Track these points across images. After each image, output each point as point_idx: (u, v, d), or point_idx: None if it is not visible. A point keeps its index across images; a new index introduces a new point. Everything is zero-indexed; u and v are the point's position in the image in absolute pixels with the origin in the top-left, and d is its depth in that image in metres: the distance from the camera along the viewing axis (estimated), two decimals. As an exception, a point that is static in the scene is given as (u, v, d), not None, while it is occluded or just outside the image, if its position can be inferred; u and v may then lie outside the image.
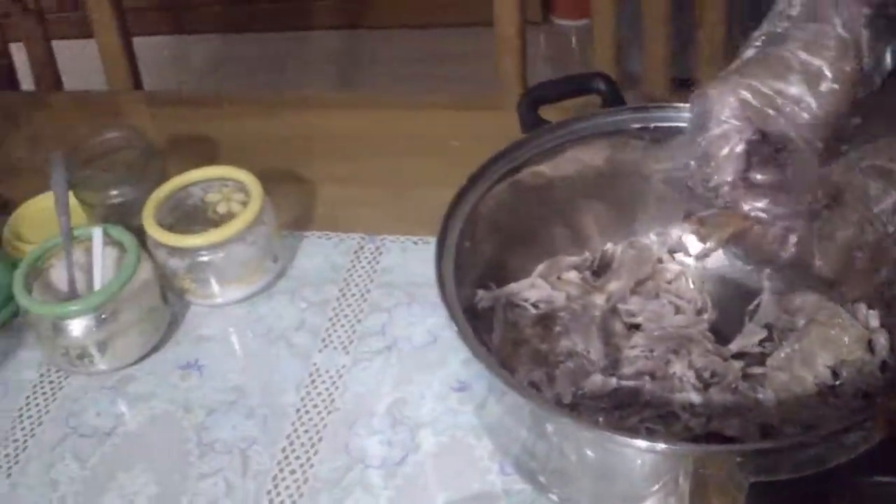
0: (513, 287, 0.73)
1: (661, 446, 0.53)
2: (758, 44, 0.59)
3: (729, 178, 0.58)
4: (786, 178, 0.58)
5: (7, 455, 0.73)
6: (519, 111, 0.76)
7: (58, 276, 0.79)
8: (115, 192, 0.84)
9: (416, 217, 0.88)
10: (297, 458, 0.69)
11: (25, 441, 0.74)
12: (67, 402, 0.76)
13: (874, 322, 0.66)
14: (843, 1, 0.56)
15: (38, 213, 0.92)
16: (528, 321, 0.70)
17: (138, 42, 1.15)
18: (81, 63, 1.33)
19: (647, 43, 1.06)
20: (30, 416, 0.76)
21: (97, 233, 0.78)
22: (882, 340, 0.65)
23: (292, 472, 0.68)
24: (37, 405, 0.76)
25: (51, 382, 0.78)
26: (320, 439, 0.70)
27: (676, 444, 0.58)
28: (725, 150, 0.57)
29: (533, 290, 0.74)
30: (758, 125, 0.57)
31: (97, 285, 0.77)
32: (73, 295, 0.76)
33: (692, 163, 0.59)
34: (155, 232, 0.78)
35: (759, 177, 0.58)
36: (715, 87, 0.57)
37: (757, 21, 0.60)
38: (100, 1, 1.09)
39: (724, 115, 0.57)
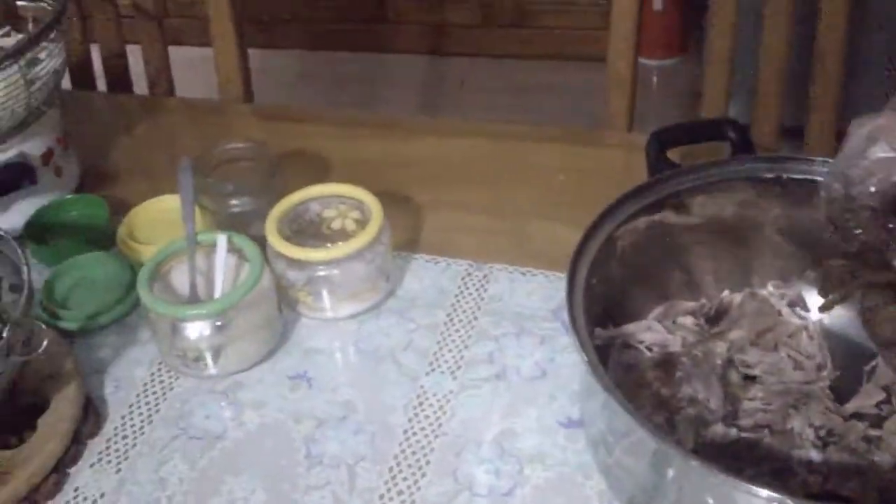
0: (629, 328, 0.73)
1: (789, 502, 0.53)
2: None
3: (878, 206, 0.57)
4: None
5: (117, 450, 0.74)
6: (647, 152, 0.76)
7: (178, 278, 0.80)
8: (235, 202, 0.86)
9: (523, 248, 0.89)
10: (405, 479, 0.70)
11: (135, 438, 0.75)
12: (177, 403, 0.78)
13: None
14: None
15: (151, 215, 0.94)
16: (648, 364, 0.69)
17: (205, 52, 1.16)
18: (185, 69, 1.36)
19: (762, 88, 1.06)
20: (140, 414, 0.77)
21: (222, 240, 0.79)
22: None
23: (399, 492, 0.69)
24: (147, 404, 0.78)
25: (161, 382, 0.80)
26: (427, 462, 0.71)
27: (805, 501, 0.57)
28: (885, 174, 0.57)
29: (648, 332, 0.74)
30: None
31: (218, 291, 0.78)
32: (193, 298, 0.78)
33: (837, 186, 0.59)
34: (278, 244, 0.79)
35: None
36: (886, 115, 0.57)
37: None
38: (221, 13, 1.12)
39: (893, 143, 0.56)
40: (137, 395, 0.79)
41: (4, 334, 0.66)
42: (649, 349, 0.73)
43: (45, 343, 0.68)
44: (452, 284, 0.86)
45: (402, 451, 0.72)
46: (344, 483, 0.70)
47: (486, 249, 0.89)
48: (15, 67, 0.86)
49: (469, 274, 0.87)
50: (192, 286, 0.78)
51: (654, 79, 2.65)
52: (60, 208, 0.95)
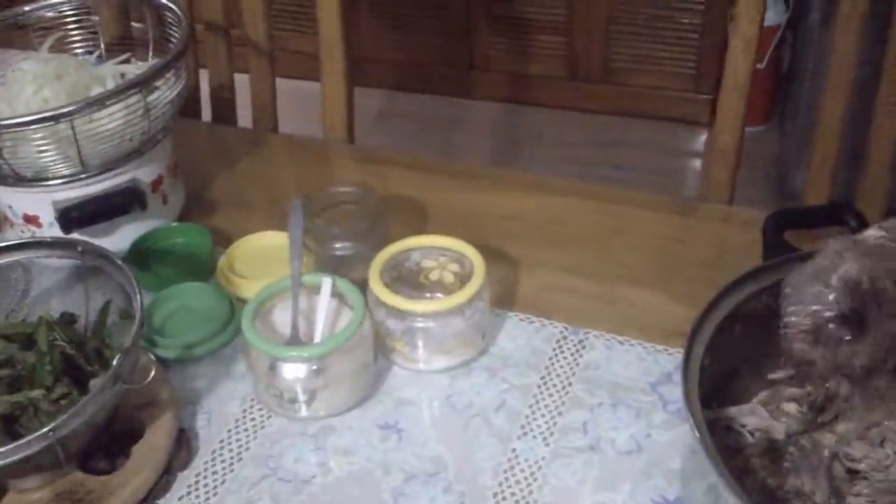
0: (732, 411, 0.72)
1: None
2: None
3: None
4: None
5: (206, 486, 0.75)
6: (764, 233, 0.75)
7: (279, 317, 0.81)
8: (339, 245, 0.87)
9: (621, 316, 0.88)
10: (494, 544, 0.69)
11: (224, 475, 0.75)
12: (268, 443, 0.78)
13: None
14: None
15: (252, 250, 0.95)
16: (755, 451, 0.68)
17: (308, 86, 1.17)
18: (286, 99, 1.38)
19: (871, 170, 1.04)
20: (230, 451, 0.77)
21: (327, 283, 0.80)
22: None
23: (488, 558, 0.68)
24: (238, 440, 0.78)
25: (253, 420, 0.80)
26: (517, 529, 0.70)
27: None
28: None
29: (752, 416, 0.72)
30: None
31: (318, 334, 0.79)
32: (294, 339, 0.78)
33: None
34: (381, 292, 0.79)
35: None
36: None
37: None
38: (333, 51, 1.13)
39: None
40: (229, 431, 0.79)
41: (114, 362, 0.67)
42: (752, 434, 0.71)
43: (153, 373, 0.69)
44: (547, 346, 0.85)
45: (492, 515, 0.71)
46: (431, 542, 0.69)
47: (582, 313, 0.88)
48: (138, 96, 0.88)
49: (564, 337, 0.86)
50: (294, 326, 0.79)
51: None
52: (165, 235, 0.96)
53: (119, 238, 0.94)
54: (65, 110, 0.84)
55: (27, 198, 0.92)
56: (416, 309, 0.79)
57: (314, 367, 0.76)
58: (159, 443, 0.74)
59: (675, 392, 0.79)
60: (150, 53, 1.04)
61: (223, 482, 0.75)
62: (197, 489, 0.74)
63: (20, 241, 0.80)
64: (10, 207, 0.94)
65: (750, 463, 0.66)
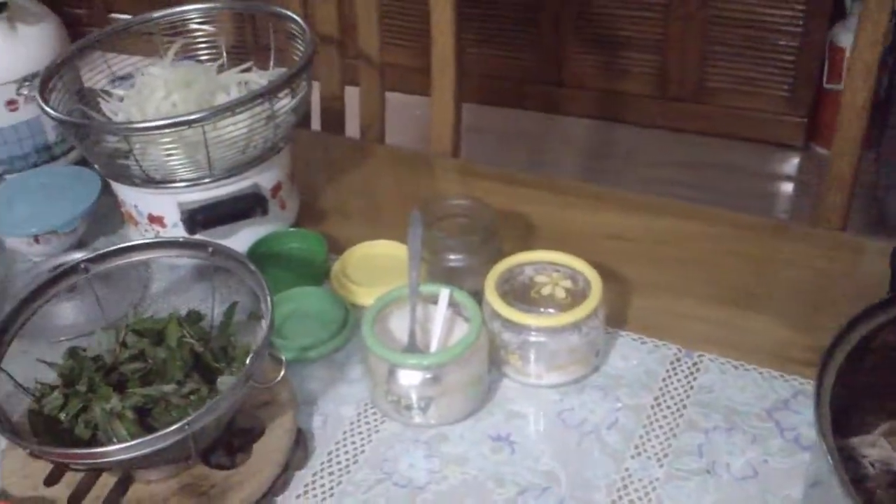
0: (854, 441, 0.71)
1: None
2: None
3: None
4: None
5: (323, 485, 0.76)
6: (892, 264, 0.74)
7: (396, 324, 0.82)
8: (453, 257, 0.88)
9: (735, 340, 0.87)
10: (608, 562, 0.69)
11: (341, 476, 0.77)
12: (382, 447, 0.79)
13: None
14: None
15: (364, 258, 0.97)
16: (879, 482, 0.66)
17: (396, 97, 1.17)
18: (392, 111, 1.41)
19: None
20: (346, 452, 0.79)
21: (444, 294, 0.81)
22: None
23: (602, 575, 0.68)
24: (353, 443, 0.80)
25: (367, 424, 0.81)
26: (631, 549, 0.70)
27: None
28: None
29: (874, 448, 0.71)
30: None
31: (434, 342, 0.80)
32: (411, 347, 0.80)
33: None
34: (498, 305, 0.80)
35: None
36: None
37: None
38: (446, 69, 1.15)
39: None
40: (344, 433, 0.81)
41: (247, 360, 0.70)
42: (872, 465, 0.70)
43: (282, 373, 0.71)
44: (660, 368, 0.85)
45: (606, 533, 0.71)
46: (546, 556, 0.69)
47: (696, 336, 0.88)
48: (265, 105, 0.91)
49: (678, 359, 0.85)
50: (412, 334, 0.80)
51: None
52: (281, 240, 0.99)
53: (238, 240, 0.97)
54: (196, 116, 0.88)
55: (154, 199, 0.95)
56: (531, 323, 0.80)
57: (429, 376, 0.77)
58: (279, 442, 0.77)
59: (791, 419, 0.78)
60: (272, 63, 1.07)
61: (339, 483, 0.76)
62: (314, 488, 0.76)
63: (154, 241, 0.84)
64: (135, 207, 0.98)
65: (877, 496, 0.65)
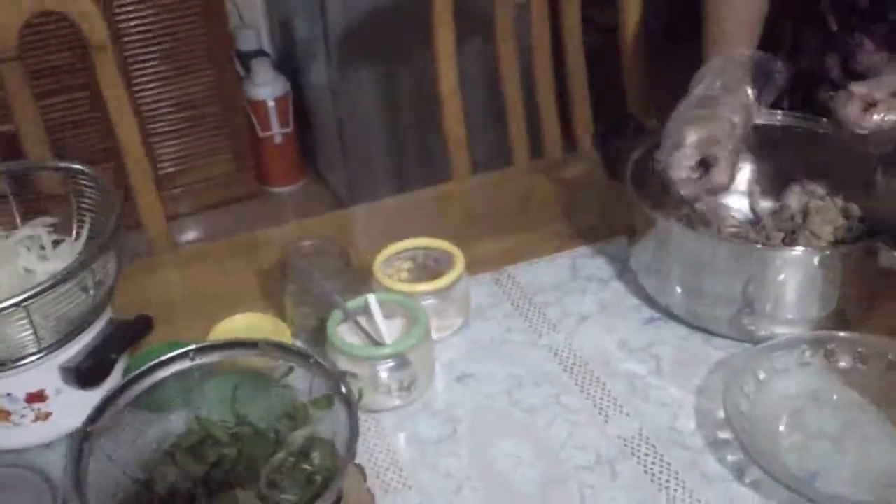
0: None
1: None
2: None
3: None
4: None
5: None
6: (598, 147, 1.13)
7: (351, 339, 0.98)
8: (326, 284, 1.02)
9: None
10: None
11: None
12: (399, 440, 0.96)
13: None
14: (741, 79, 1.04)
15: (231, 333, 1.02)
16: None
17: None
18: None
19: None
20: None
21: (372, 298, 0.99)
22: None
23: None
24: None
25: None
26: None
27: None
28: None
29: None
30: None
31: (388, 336, 0.98)
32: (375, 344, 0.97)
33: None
34: (400, 286, 1.02)
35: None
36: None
37: None
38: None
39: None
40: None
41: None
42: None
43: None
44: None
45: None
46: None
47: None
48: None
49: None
50: (371, 338, 0.98)
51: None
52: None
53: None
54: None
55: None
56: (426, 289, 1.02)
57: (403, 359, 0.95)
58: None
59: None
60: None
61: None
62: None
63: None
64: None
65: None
